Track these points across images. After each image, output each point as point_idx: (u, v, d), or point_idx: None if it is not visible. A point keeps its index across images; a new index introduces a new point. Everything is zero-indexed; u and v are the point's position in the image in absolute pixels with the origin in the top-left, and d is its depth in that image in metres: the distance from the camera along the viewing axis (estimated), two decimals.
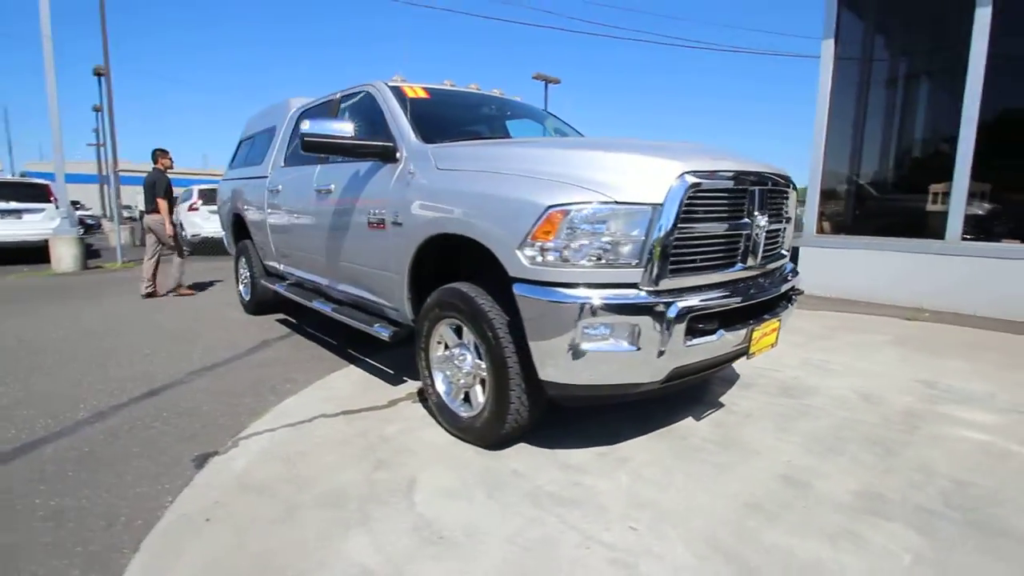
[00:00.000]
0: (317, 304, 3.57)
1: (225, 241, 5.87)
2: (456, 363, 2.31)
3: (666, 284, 1.89)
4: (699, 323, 1.94)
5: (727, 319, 2.06)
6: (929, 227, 5.27)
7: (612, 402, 2.29)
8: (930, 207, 5.40)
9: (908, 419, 2.57)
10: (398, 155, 2.66)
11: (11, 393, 2.96)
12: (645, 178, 1.86)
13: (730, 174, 2.03)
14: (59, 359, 3.62)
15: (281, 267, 4.30)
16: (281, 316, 4.97)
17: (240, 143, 5.55)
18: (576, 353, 1.85)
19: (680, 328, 1.86)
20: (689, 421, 2.56)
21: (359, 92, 3.25)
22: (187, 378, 3.24)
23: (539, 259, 1.88)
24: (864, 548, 1.63)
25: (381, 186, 2.69)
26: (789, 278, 2.48)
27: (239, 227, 5.19)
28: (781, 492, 1.94)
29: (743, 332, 2.11)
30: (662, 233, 1.83)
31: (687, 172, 1.87)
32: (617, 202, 1.81)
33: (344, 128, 2.66)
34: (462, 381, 2.31)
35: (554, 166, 1.99)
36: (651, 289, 1.87)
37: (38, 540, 1.68)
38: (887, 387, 3.00)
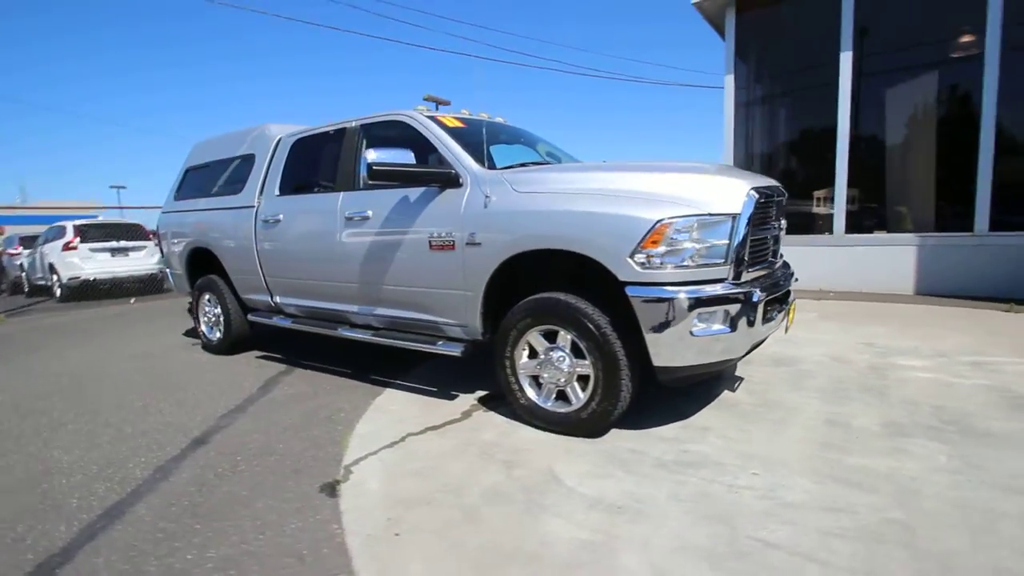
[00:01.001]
0: (347, 332, 3.55)
1: (170, 278, 5.37)
2: (556, 365, 2.57)
3: (744, 277, 2.36)
4: (768, 307, 2.44)
5: (777, 303, 2.60)
6: (820, 225, 6.56)
7: (704, 379, 2.69)
8: (816, 209, 6.71)
9: (875, 370, 3.34)
10: (461, 180, 2.85)
11: (21, 463, 2.58)
12: (725, 195, 2.32)
13: (768, 189, 2.58)
14: (38, 424, 3.14)
15: (277, 299, 4.12)
16: (260, 353, 4.70)
17: (186, 172, 5.15)
18: (688, 339, 2.23)
19: (760, 311, 2.34)
20: (726, 393, 3.07)
21: (387, 121, 3.36)
22: (223, 422, 3.05)
23: (647, 264, 2.25)
24: (913, 457, 2.21)
25: (447, 209, 2.85)
26: (791, 271, 3.11)
27: (200, 262, 4.82)
28: (834, 431, 2.49)
29: (783, 313, 2.66)
30: (740, 237, 2.30)
31: (752, 188, 2.37)
32: (710, 214, 2.25)
33: (407, 157, 2.81)
34: (562, 380, 2.57)
35: (646, 186, 2.37)
36: (735, 282, 2.32)
37: None
38: (844, 350, 3.82)
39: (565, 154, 4.26)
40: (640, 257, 2.24)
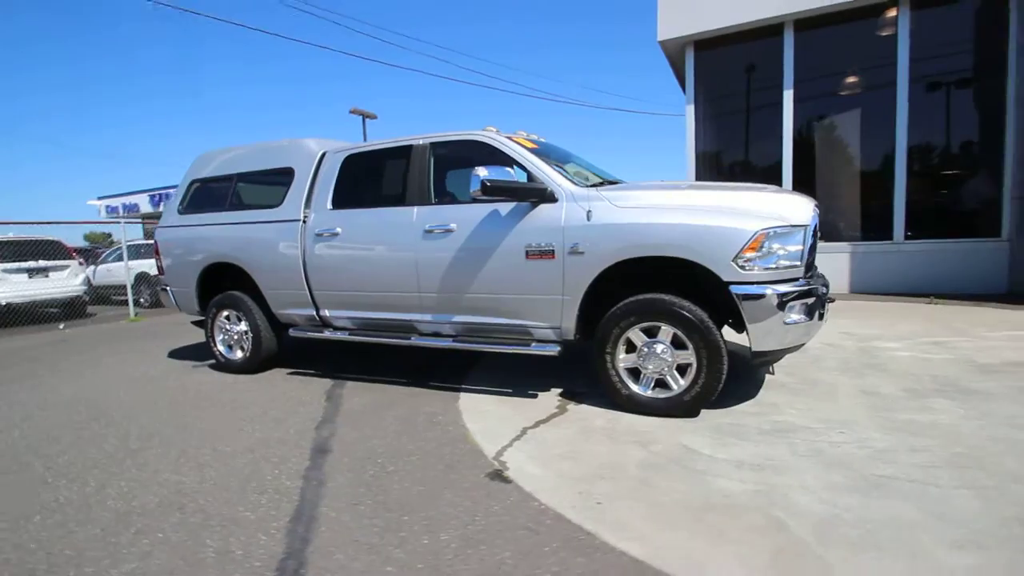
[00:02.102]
0: (420, 340, 3.68)
1: (171, 296, 5.04)
2: (660, 356, 2.96)
3: (811, 277, 2.92)
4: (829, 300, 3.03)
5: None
6: None
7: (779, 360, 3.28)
8: None
9: (868, 352, 4.11)
10: (556, 196, 3.18)
11: (137, 487, 2.47)
12: (798, 209, 2.87)
13: (817, 206, 3.19)
14: (109, 449, 2.95)
15: (325, 312, 4.12)
16: (290, 370, 4.60)
17: (193, 184, 4.92)
18: (780, 327, 2.74)
19: (825, 303, 2.92)
20: (768, 377, 3.64)
21: (462, 140, 3.60)
22: (324, 433, 3.06)
23: (745, 267, 2.73)
24: (940, 411, 2.87)
25: (545, 222, 3.15)
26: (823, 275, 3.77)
27: (216, 279, 4.64)
28: (871, 397, 3.12)
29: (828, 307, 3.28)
30: (810, 244, 2.87)
31: (815, 204, 2.96)
32: (792, 225, 2.78)
33: (513, 174, 3.10)
34: (664, 369, 2.97)
35: (736, 203, 2.86)
36: (807, 279, 2.88)
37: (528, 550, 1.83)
38: (831, 338, 4.60)
39: (597, 169, 4.68)
40: (740, 261, 2.72)
